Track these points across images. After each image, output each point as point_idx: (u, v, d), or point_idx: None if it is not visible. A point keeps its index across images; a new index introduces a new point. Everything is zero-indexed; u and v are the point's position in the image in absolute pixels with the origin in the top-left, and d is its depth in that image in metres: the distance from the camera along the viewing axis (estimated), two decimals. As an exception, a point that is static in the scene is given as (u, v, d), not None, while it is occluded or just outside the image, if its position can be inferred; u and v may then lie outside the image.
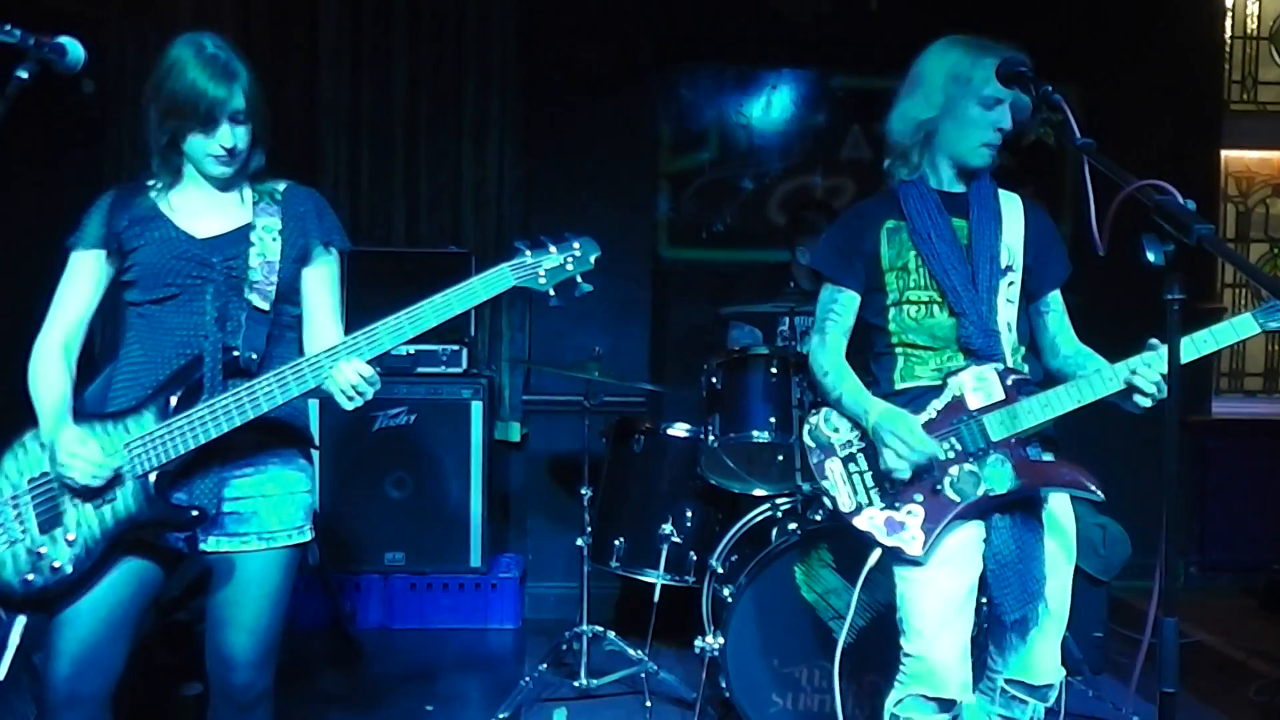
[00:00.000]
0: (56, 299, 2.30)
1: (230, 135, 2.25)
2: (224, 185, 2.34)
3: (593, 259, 2.20)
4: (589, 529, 3.98)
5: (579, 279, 2.20)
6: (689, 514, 3.96)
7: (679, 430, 4.04)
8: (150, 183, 2.33)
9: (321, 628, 4.41)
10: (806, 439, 2.59)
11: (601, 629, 3.91)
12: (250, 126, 2.28)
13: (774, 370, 3.69)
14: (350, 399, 2.12)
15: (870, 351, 2.66)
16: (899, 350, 2.58)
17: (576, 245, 2.19)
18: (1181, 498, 5.19)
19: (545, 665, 3.86)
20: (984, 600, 2.57)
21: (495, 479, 4.83)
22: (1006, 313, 2.56)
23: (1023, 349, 2.61)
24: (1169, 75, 5.23)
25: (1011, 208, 2.62)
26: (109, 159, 4.62)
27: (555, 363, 4.44)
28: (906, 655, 2.47)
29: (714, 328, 4.46)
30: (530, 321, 5.01)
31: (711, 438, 3.75)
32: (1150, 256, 1.74)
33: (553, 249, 2.18)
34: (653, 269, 5.15)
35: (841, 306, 2.64)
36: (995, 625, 2.52)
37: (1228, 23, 5.55)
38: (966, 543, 2.45)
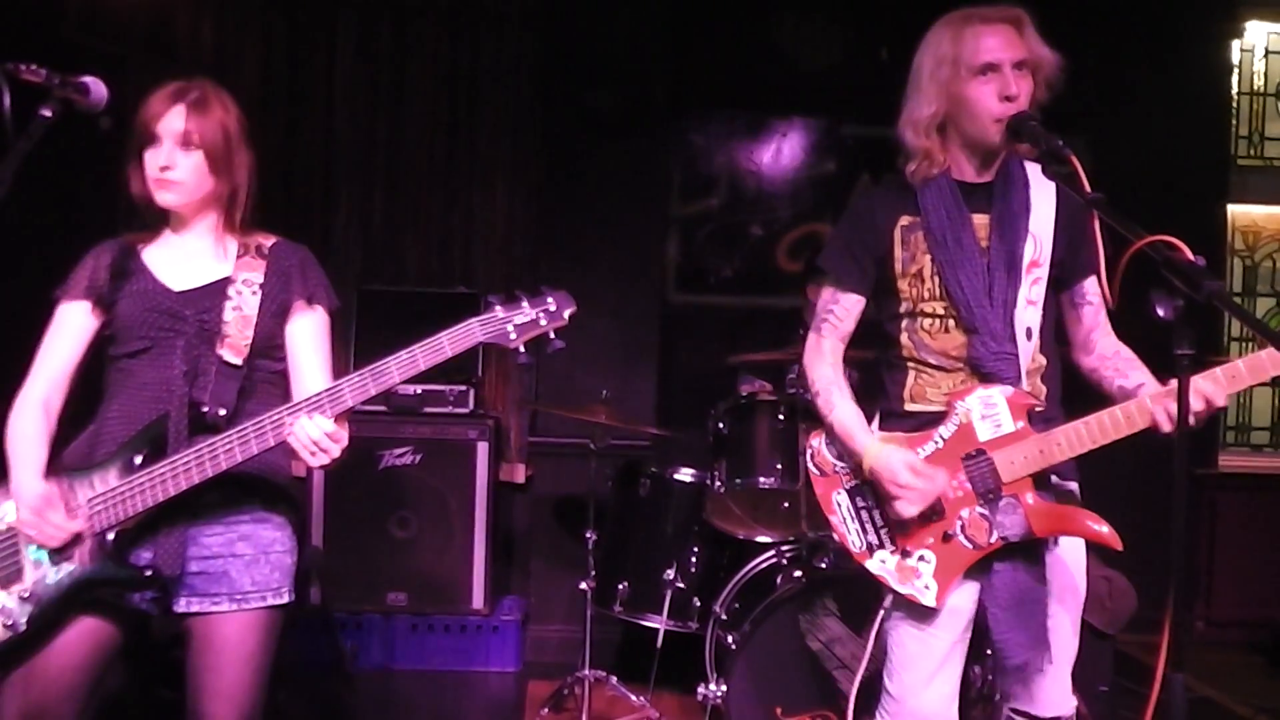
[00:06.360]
0: (41, 351, 2.26)
1: (168, 155, 2.19)
2: (208, 237, 2.30)
3: (567, 314, 2.11)
4: (593, 572, 3.96)
5: (552, 335, 2.11)
6: (694, 559, 3.95)
7: (685, 475, 4.04)
8: (138, 234, 2.31)
9: (323, 668, 4.38)
10: (810, 465, 2.46)
11: (604, 674, 3.89)
12: (205, 159, 2.21)
13: (781, 416, 3.70)
14: (313, 454, 2.04)
15: (883, 355, 2.46)
16: (911, 365, 2.39)
17: (551, 300, 2.11)
18: (1188, 551, 5.17)
19: (546, 709, 3.84)
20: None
21: (499, 520, 4.82)
22: (1028, 317, 2.32)
23: (1044, 360, 2.39)
24: (1176, 130, 5.26)
25: (1044, 190, 2.34)
26: (124, 197, 4.64)
27: (562, 405, 4.44)
28: (887, 693, 2.39)
29: (722, 373, 4.45)
30: (538, 363, 5.02)
31: (718, 483, 3.75)
32: (1160, 312, 1.75)
33: (525, 305, 2.10)
34: (661, 313, 5.16)
35: (843, 309, 2.45)
36: (998, 666, 2.38)
37: (1234, 79, 5.59)
38: (962, 592, 2.34)
